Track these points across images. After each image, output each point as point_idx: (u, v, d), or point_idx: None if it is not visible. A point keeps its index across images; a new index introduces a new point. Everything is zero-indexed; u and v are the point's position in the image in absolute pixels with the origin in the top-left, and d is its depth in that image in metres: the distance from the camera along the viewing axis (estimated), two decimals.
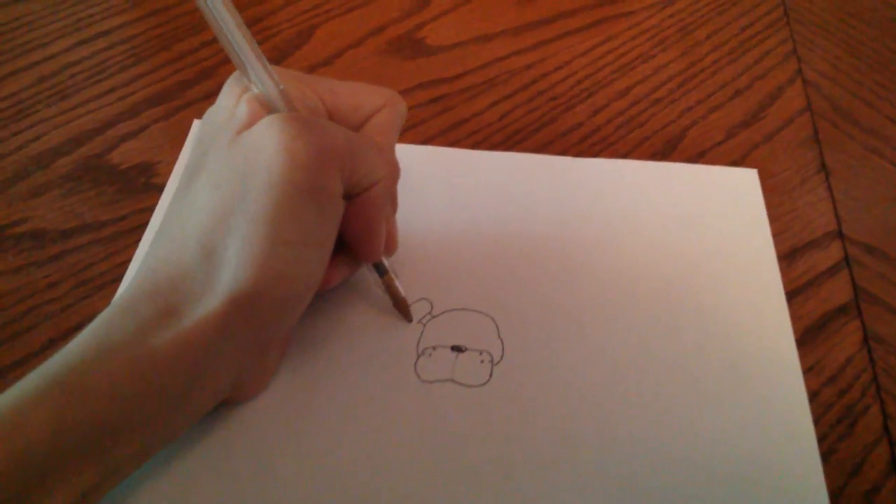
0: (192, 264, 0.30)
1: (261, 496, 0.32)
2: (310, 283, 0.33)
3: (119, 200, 0.44)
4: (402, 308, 0.38)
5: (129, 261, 0.41)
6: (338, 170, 0.31)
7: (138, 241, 0.42)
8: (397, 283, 0.38)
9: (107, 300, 0.39)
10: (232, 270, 0.30)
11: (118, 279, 0.40)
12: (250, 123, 0.31)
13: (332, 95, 0.35)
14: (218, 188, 0.31)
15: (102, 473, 0.28)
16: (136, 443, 0.29)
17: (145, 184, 0.45)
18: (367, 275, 0.39)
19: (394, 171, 0.35)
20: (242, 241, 0.30)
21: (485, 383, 0.36)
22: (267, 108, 0.32)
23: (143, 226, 0.42)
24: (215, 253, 0.30)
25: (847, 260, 0.42)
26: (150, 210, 0.43)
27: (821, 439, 0.35)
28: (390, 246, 0.38)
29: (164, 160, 0.46)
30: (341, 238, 0.35)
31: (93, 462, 0.28)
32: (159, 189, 0.44)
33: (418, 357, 0.37)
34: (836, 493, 0.33)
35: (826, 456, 0.34)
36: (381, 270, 0.38)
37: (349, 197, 0.33)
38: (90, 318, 0.37)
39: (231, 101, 0.32)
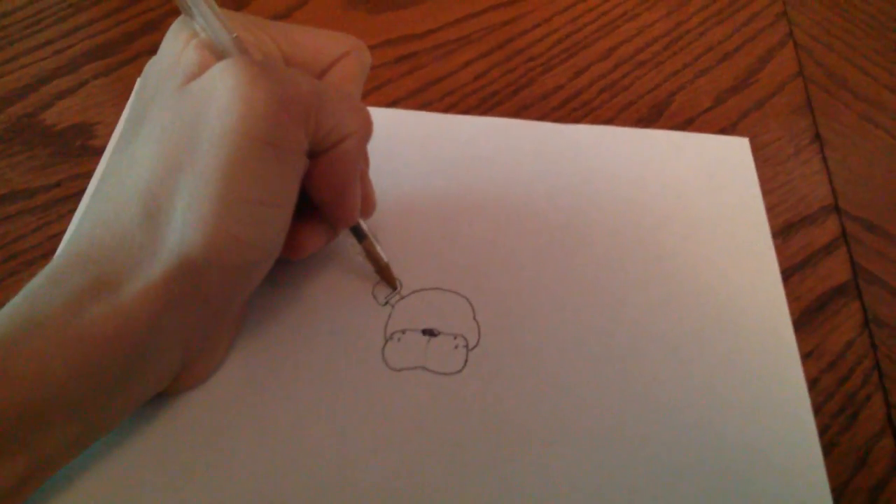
0: (131, 227, 0.27)
1: (209, 492, 0.29)
2: (269, 248, 0.29)
3: (53, 165, 0.40)
4: (385, 275, 0.35)
5: (62, 232, 0.37)
6: (302, 122, 0.27)
7: (74, 210, 0.37)
8: (378, 247, 0.35)
9: None
10: (178, 233, 0.26)
11: (50, 253, 0.36)
12: (200, 71, 0.27)
13: (288, 42, 0.31)
14: (163, 142, 0.27)
15: (30, 467, 0.26)
16: (67, 432, 0.26)
17: (82, 146, 0.41)
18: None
19: (366, 123, 0.31)
20: (191, 200, 0.26)
21: (459, 370, 0.33)
22: (218, 55, 0.28)
23: (79, 193, 0.38)
24: (159, 213, 0.26)
25: (845, 236, 0.39)
26: (88, 176, 0.39)
27: (822, 432, 0.32)
28: (367, 207, 0.34)
29: (103, 121, 0.42)
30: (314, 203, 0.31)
31: (18, 454, 0.25)
32: (98, 152, 0.40)
33: (386, 342, 0.34)
34: (839, 489, 0.31)
35: (828, 449, 0.32)
36: (359, 235, 0.34)
37: (315, 154, 0.30)
38: None
39: (177, 47, 0.29)
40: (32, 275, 0.34)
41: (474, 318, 0.35)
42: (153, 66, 0.30)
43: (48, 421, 0.25)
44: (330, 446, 0.31)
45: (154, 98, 0.28)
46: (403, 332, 0.34)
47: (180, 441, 0.30)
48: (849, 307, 0.37)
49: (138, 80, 0.30)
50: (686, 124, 0.44)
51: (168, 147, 0.27)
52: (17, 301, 0.26)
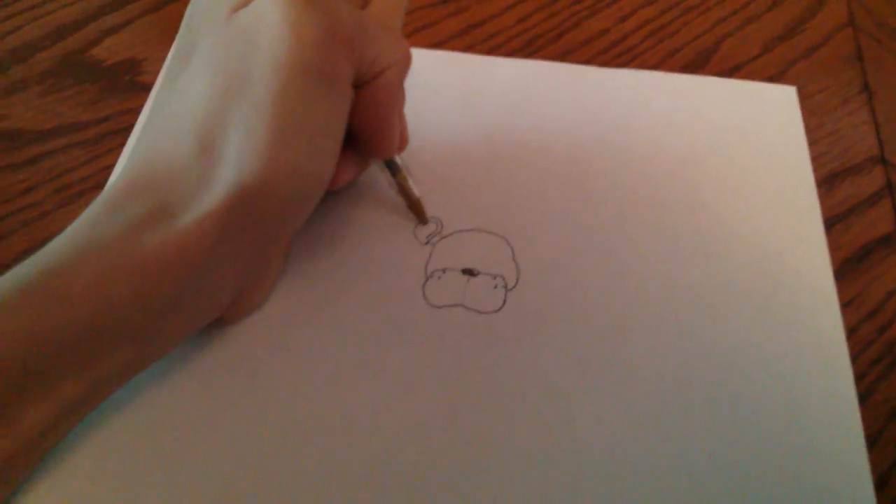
0: (188, 159, 0.27)
1: (256, 419, 0.30)
2: (321, 178, 0.30)
3: (102, 99, 0.40)
4: (416, 209, 0.35)
5: (112, 166, 0.37)
6: (348, 51, 0.27)
7: (122, 144, 0.38)
8: (411, 181, 0.35)
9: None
10: (234, 164, 0.26)
11: (100, 186, 0.36)
12: (247, 0, 0.27)
13: None
14: (214, 73, 0.27)
15: (85, 388, 0.26)
16: (122, 355, 0.27)
17: (131, 82, 0.41)
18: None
19: (406, 54, 0.31)
20: (247, 131, 0.26)
21: (498, 310, 0.34)
22: None
23: (128, 128, 0.39)
24: (214, 146, 0.27)
25: (890, 187, 0.39)
26: (136, 111, 0.39)
27: (858, 378, 0.32)
28: (401, 141, 0.34)
29: (151, 56, 0.42)
30: (348, 134, 0.31)
31: (74, 375, 0.26)
32: (146, 88, 0.41)
33: (427, 279, 0.34)
34: (873, 437, 0.31)
35: (864, 397, 0.32)
36: (393, 168, 0.34)
37: (358, 84, 0.30)
38: None
39: None
40: (81, 206, 0.36)
41: (514, 260, 0.35)
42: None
43: (106, 343, 0.26)
44: (369, 380, 0.31)
45: (202, 29, 0.29)
46: (444, 270, 0.35)
47: (224, 370, 0.31)
48: (891, 258, 0.36)
49: (186, 11, 0.30)
50: (733, 72, 0.44)
51: (219, 79, 0.27)
52: (78, 226, 0.27)
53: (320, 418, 0.30)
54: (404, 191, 0.35)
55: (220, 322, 0.31)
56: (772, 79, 0.43)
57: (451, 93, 0.41)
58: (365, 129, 0.31)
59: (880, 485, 0.30)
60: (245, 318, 0.32)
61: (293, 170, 0.27)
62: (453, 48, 0.44)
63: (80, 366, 0.26)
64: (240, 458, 0.29)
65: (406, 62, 0.31)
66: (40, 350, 0.25)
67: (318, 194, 0.30)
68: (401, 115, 0.34)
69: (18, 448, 0.26)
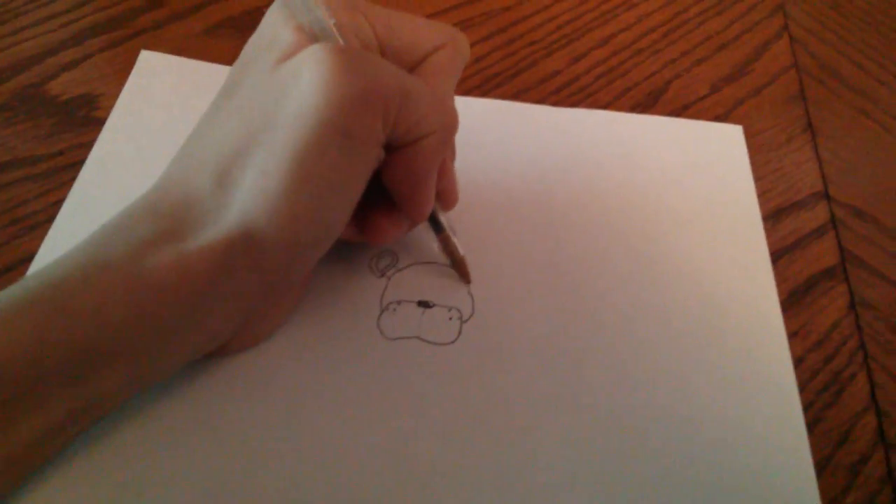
0: (203, 191, 0.28)
1: (210, 448, 0.30)
2: (328, 231, 0.29)
3: (57, 134, 0.40)
4: (460, 268, 0.36)
5: (63, 199, 0.37)
6: (381, 115, 0.27)
7: (75, 178, 0.38)
8: (455, 240, 0.35)
9: (39, 240, 0.35)
10: (242, 203, 0.27)
11: (52, 218, 0.36)
12: (294, 52, 0.28)
13: (386, 28, 0.31)
14: (246, 115, 0.28)
15: (81, 404, 0.27)
16: (117, 376, 0.27)
17: (86, 117, 0.41)
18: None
19: (450, 123, 0.31)
20: (260, 174, 0.27)
21: (453, 341, 0.34)
22: (314, 38, 0.28)
23: (81, 162, 0.39)
24: (230, 182, 0.27)
25: (833, 222, 0.40)
26: (90, 145, 0.39)
27: (806, 407, 0.33)
28: (449, 200, 0.35)
29: (107, 92, 0.42)
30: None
31: (72, 390, 0.26)
32: (100, 123, 0.40)
33: (381, 312, 0.34)
34: (822, 464, 0.31)
35: (812, 425, 0.32)
36: (437, 227, 0.34)
37: (394, 147, 0.30)
38: (21, 260, 0.35)
39: (276, 27, 0.29)
40: (34, 239, 0.36)
41: (469, 292, 0.35)
42: (252, 43, 0.30)
43: (102, 361, 0.26)
44: (326, 413, 0.31)
45: (249, 71, 0.29)
46: (399, 303, 0.35)
47: (181, 403, 0.31)
48: (836, 289, 0.37)
49: (243, 49, 0.31)
50: (682, 111, 0.45)
51: (250, 121, 0.27)
52: (86, 243, 0.27)
53: (274, 447, 0.30)
54: (447, 249, 0.35)
55: (218, 353, 0.31)
56: (719, 118, 0.45)
57: None
58: (398, 192, 0.31)
59: None
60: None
61: (299, 218, 0.27)
62: None
63: (75, 383, 0.26)
64: (198, 484, 0.29)
65: (450, 131, 0.31)
66: (36, 363, 0.24)
67: (325, 245, 0.30)
68: (449, 174, 0.34)
69: (7, 459, 0.25)
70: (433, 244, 0.35)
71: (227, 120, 0.29)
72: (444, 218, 0.34)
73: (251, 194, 0.27)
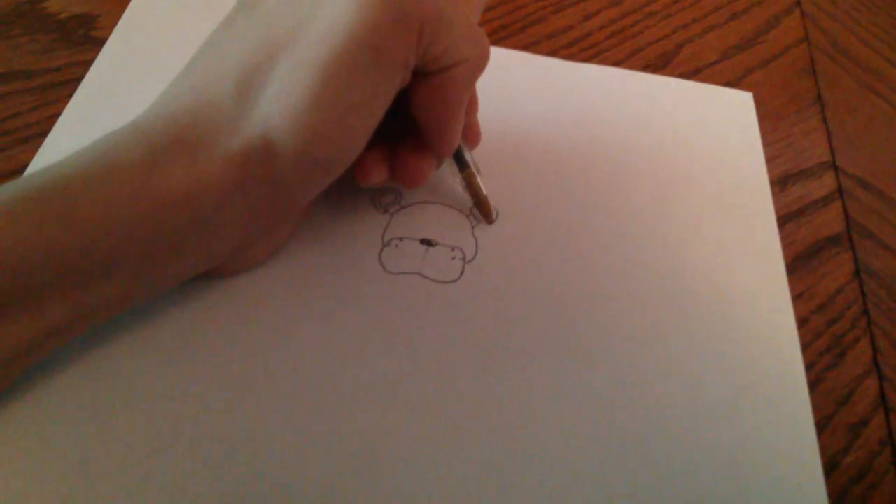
0: (222, 98, 0.26)
1: (212, 378, 0.29)
2: (347, 151, 0.28)
3: (54, 50, 0.39)
4: (483, 207, 0.35)
5: (58, 115, 0.36)
6: (415, 37, 0.26)
7: (71, 94, 0.36)
8: (479, 179, 0.34)
9: (31, 153, 0.34)
10: (264, 114, 0.26)
11: (46, 133, 0.35)
12: None
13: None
14: (273, 25, 0.27)
15: (74, 312, 0.26)
16: (113, 286, 0.26)
17: (84, 36, 0.40)
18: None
19: (482, 53, 0.30)
20: (283, 86, 0.26)
21: (455, 280, 0.33)
22: None
23: (77, 79, 0.37)
24: (251, 91, 0.26)
25: (840, 191, 0.40)
26: (87, 64, 0.38)
27: (808, 367, 0.32)
28: (472, 138, 0.34)
29: (107, 12, 0.41)
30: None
31: (62, 297, 0.25)
32: (99, 42, 0.39)
33: (384, 247, 0.33)
34: (822, 423, 0.31)
35: (813, 385, 0.32)
36: (461, 164, 0.33)
37: (423, 74, 0.28)
38: (13, 171, 0.33)
39: None
40: (25, 151, 0.34)
41: (472, 234, 0.35)
42: None
43: (104, 268, 0.25)
44: (319, 342, 0.30)
45: None
46: (401, 239, 0.34)
47: (185, 331, 0.30)
48: (841, 256, 0.37)
49: None
50: (692, 75, 0.44)
51: (276, 31, 0.26)
52: (96, 144, 0.26)
53: (276, 379, 0.29)
54: (471, 188, 0.34)
55: (207, 275, 0.30)
56: (730, 84, 0.44)
57: None
58: (425, 121, 0.30)
59: (829, 469, 0.30)
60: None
61: (319, 134, 0.26)
62: None
63: (71, 288, 0.25)
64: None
65: (481, 62, 0.30)
66: (33, 265, 0.24)
67: (341, 166, 0.29)
68: (473, 112, 0.33)
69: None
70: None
71: (249, 31, 0.27)
72: (468, 156, 0.34)
73: (275, 106, 0.26)
